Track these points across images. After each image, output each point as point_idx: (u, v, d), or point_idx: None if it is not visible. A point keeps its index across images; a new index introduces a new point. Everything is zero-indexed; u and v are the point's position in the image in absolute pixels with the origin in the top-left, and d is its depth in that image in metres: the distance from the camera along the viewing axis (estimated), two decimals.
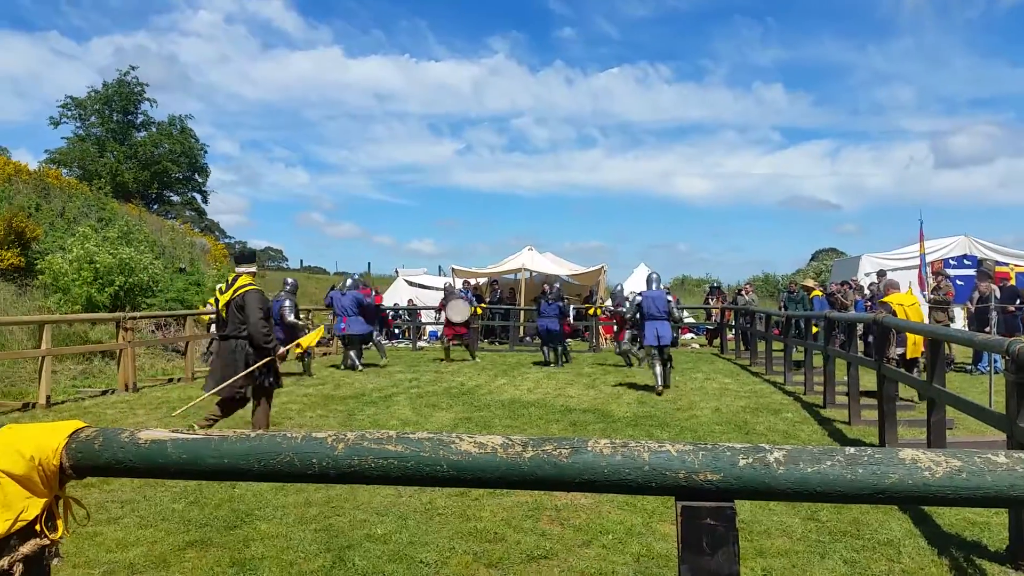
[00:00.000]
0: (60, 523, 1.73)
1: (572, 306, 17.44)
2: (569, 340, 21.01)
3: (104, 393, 11.57)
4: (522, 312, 21.81)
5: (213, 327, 12.44)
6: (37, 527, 1.68)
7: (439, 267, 30.28)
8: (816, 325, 13.04)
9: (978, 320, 14.14)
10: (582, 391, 11.72)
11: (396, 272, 26.47)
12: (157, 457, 1.74)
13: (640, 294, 12.34)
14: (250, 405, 7.76)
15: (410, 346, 20.75)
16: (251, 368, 7.32)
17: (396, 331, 23.29)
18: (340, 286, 15.90)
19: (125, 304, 15.73)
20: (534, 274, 23.37)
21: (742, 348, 17.90)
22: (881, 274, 16.74)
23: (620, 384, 12.55)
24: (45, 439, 1.70)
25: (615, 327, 16.83)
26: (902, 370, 8.84)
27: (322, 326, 15.02)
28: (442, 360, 16.13)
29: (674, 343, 21.31)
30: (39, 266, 15.99)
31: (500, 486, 1.69)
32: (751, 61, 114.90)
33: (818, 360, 11.40)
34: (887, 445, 7.20)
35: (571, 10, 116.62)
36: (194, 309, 16.19)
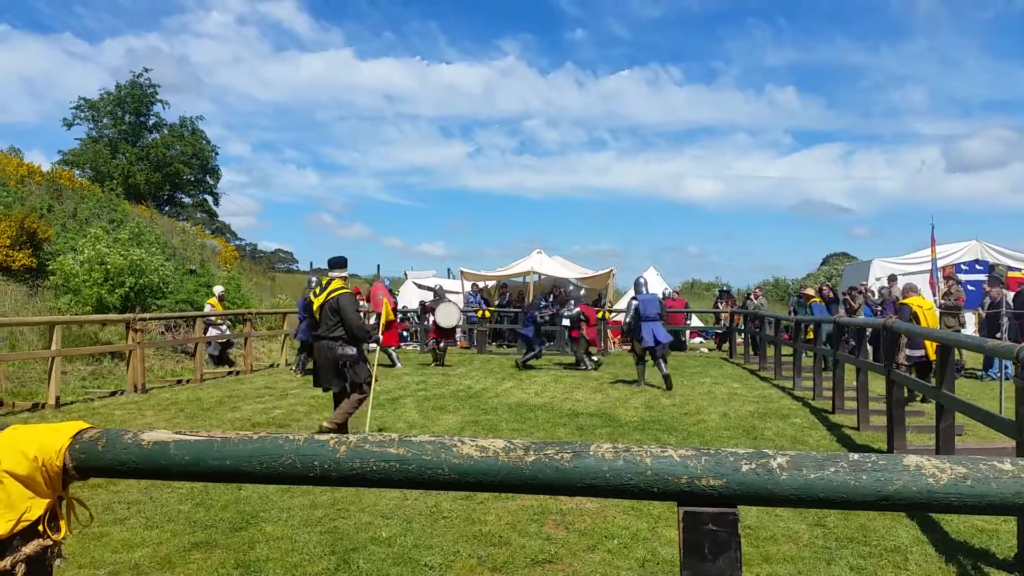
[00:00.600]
0: (63, 524, 1.74)
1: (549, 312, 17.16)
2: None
3: (113, 394, 11.63)
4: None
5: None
6: (40, 527, 1.68)
7: (448, 270, 30.31)
8: (811, 329, 13.46)
9: (989, 326, 14.05)
10: (589, 395, 11.70)
11: (405, 275, 26.48)
12: (160, 459, 1.74)
13: (635, 298, 12.94)
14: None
15: (418, 349, 20.77)
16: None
17: (404, 334, 23.30)
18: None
19: (135, 305, 15.80)
20: (543, 277, 23.35)
21: (751, 353, 17.83)
22: (892, 279, 16.66)
23: (628, 389, 12.52)
24: (49, 440, 1.71)
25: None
26: (912, 375, 8.79)
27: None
28: (431, 364, 16.08)
29: (682, 347, 21.49)
30: (50, 267, 16.10)
31: (502, 490, 1.68)
32: (763, 63, 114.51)
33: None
34: (895, 451, 7.16)
35: (582, 11, 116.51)
36: (202, 311, 16.27)
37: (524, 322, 17.02)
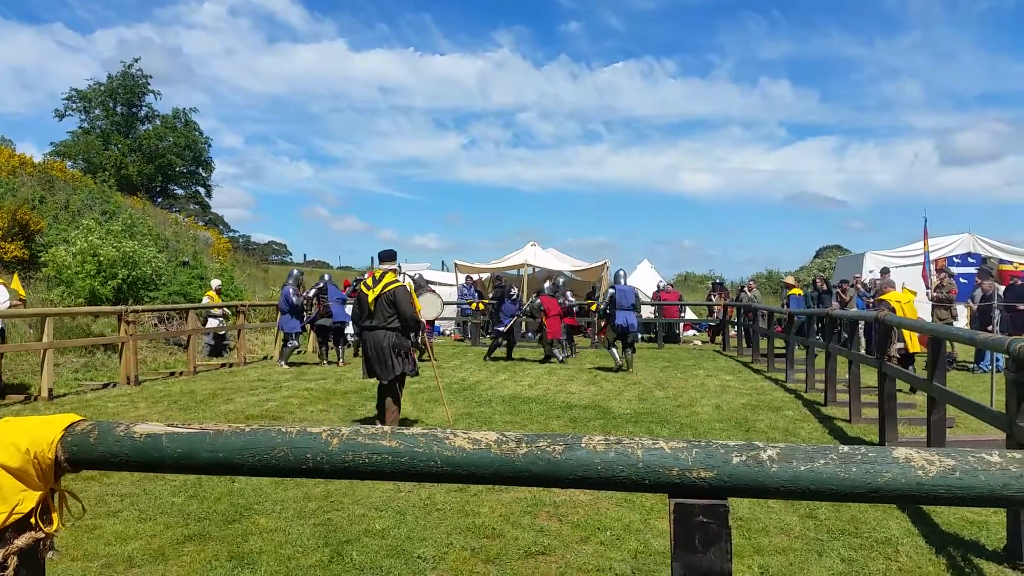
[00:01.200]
0: (55, 516, 1.74)
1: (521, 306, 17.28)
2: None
3: (106, 386, 11.61)
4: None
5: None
6: (32, 520, 1.67)
7: (442, 262, 30.31)
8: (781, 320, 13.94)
9: (981, 319, 14.12)
10: (583, 387, 11.72)
11: (399, 267, 26.48)
12: (152, 451, 1.74)
13: (613, 287, 14.28)
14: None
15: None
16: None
17: None
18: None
19: (128, 297, 15.77)
20: (537, 270, 23.36)
21: (744, 345, 17.89)
22: (885, 271, 16.72)
23: (621, 381, 12.55)
24: (40, 432, 1.70)
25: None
26: (901, 368, 8.83)
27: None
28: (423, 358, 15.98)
29: (676, 339, 21.56)
30: (43, 259, 16.04)
31: (494, 482, 1.68)
32: (757, 56, 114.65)
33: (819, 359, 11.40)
34: (887, 443, 7.20)
35: (576, 3, 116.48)
36: (196, 303, 16.24)
37: (503, 315, 17.24)
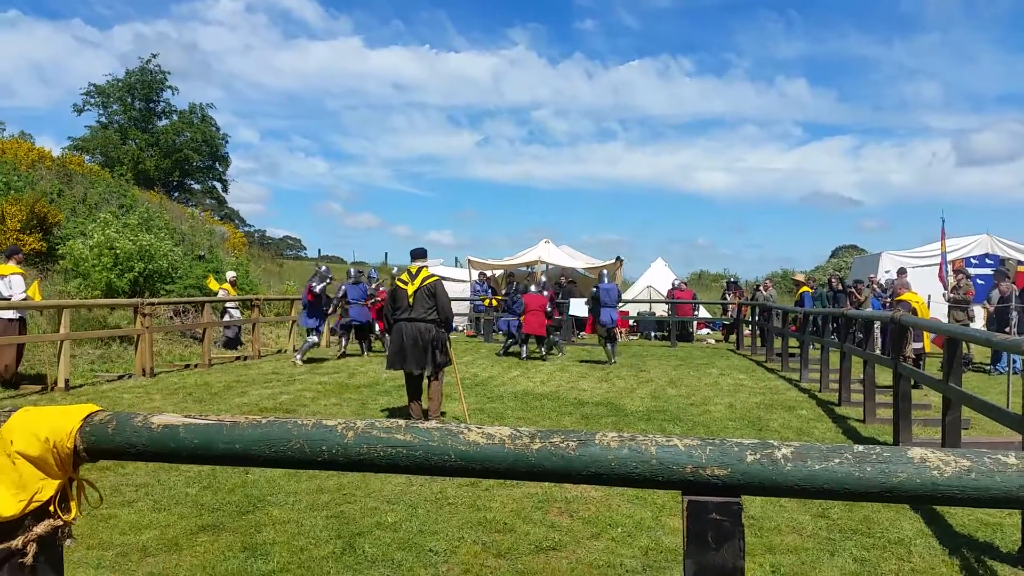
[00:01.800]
0: (73, 505, 1.76)
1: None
2: (582, 334, 21.08)
3: (121, 378, 11.70)
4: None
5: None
6: (51, 508, 1.70)
7: (455, 259, 30.33)
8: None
9: (998, 320, 13.99)
10: (595, 384, 11.71)
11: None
12: (169, 442, 1.76)
13: (597, 287, 15.12)
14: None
15: None
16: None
17: None
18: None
19: (144, 290, 15.90)
20: (550, 267, 23.35)
21: (758, 344, 17.81)
22: (901, 272, 16.59)
23: (634, 379, 12.53)
24: (60, 422, 1.73)
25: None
26: (918, 369, 8.77)
27: None
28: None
29: (689, 338, 21.51)
30: (60, 251, 16.18)
31: (507, 477, 1.69)
32: (774, 55, 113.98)
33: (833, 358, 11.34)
34: (901, 444, 7.15)
35: (592, 1, 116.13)
36: (211, 296, 16.34)
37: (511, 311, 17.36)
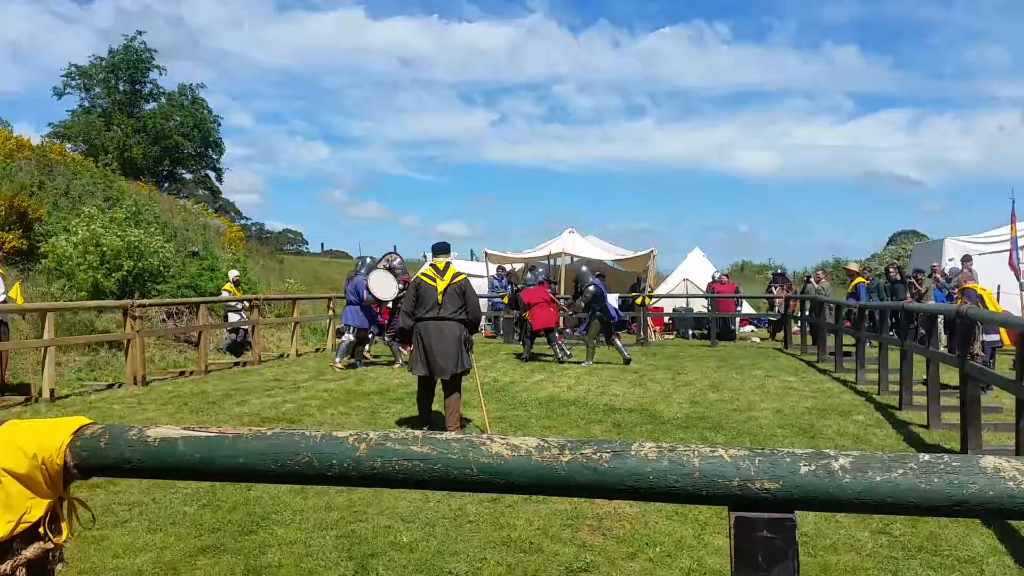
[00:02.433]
0: (64, 526, 1.78)
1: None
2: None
3: (111, 387, 11.84)
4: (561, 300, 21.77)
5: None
6: (40, 530, 1.72)
7: (471, 251, 30.32)
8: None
9: None
10: (627, 389, 11.70)
11: (424, 256, 26.56)
12: (167, 456, 1.78)
13: (594, 282, 15.60)
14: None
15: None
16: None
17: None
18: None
19: (134, 290, 16.04)
20: (575, 259, 23.29)
21: (809, 343, 17.69)
22: (966, 259, 16.40)
23: (670, 383, 12.50)
24: (48, 436, 1.75)
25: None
26: (987, 368, 8.68)
27: None
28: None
29: (732, 336, 21.40)
30: (42, 249, 16.34)
31: (534, 492, 1.70)
32: (821, 19, 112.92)
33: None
34: (971, 451, 7.08)
35: None
36: (207, 296, 16.47)
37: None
